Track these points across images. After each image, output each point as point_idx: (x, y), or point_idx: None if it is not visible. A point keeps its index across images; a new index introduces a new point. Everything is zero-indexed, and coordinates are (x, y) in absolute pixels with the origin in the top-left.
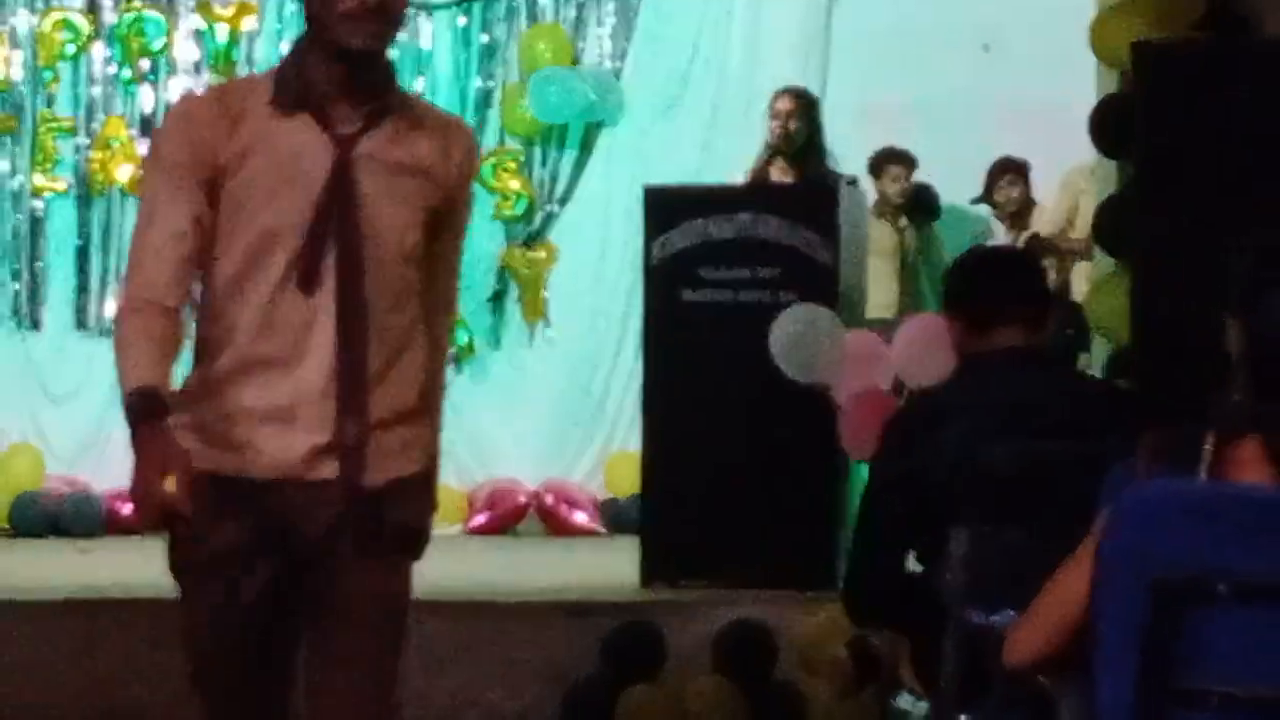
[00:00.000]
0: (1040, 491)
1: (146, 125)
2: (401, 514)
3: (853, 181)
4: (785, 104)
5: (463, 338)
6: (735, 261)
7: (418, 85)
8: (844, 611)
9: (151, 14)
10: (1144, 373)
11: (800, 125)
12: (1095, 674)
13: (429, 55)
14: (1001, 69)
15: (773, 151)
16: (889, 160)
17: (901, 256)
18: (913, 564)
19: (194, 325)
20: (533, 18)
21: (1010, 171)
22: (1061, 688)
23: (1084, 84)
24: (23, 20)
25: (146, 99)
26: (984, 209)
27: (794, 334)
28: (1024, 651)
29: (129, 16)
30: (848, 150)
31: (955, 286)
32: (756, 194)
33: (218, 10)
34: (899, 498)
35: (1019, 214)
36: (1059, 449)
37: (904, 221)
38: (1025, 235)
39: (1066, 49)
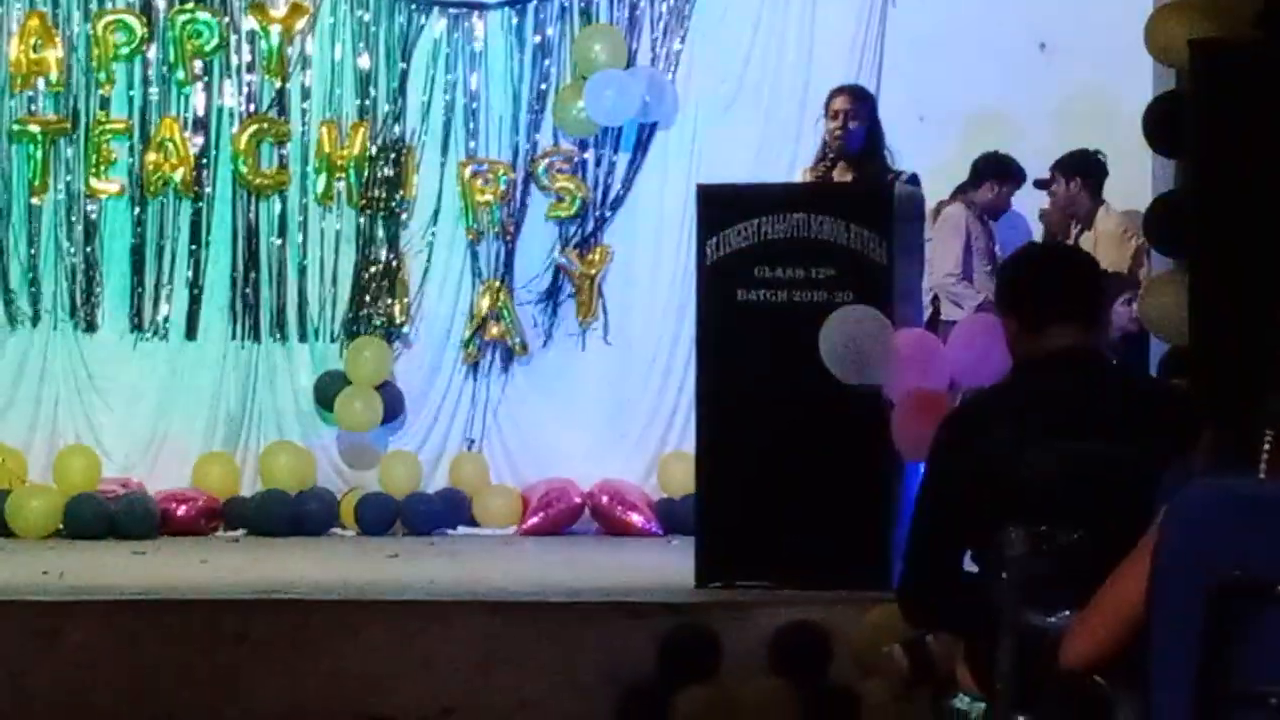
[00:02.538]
0: (1094, 492)
1: (200, 126)
2: None
3: (913, 179)
4: (842, 103)
5: (513, 337)
6: (790, 261)
7: (471, 85)
8: (900, 612)
9: (204, 16)
10: (1201, 371)
11: (859, 124)
12: (1152, 675)
13: (482, 56)
14: (1057, 68)
15: (832, 152)
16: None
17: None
18: (968, 564)
19: None
20: (587, 18)
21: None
22: (1119, 688)
23: (1140, 82)
24: (76, 23)
25: (200, 101)
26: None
27: (844, 335)
28: (1081, 652)
29: (182, 18)
30: (902, 152)
31: (1007, 285)
32: (811, 193)
33: (271, 12)
34: (953, 498)
35: (1089, 215)
36: (1113, 450)
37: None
38: (1089, 234)
39: (1123, 47)
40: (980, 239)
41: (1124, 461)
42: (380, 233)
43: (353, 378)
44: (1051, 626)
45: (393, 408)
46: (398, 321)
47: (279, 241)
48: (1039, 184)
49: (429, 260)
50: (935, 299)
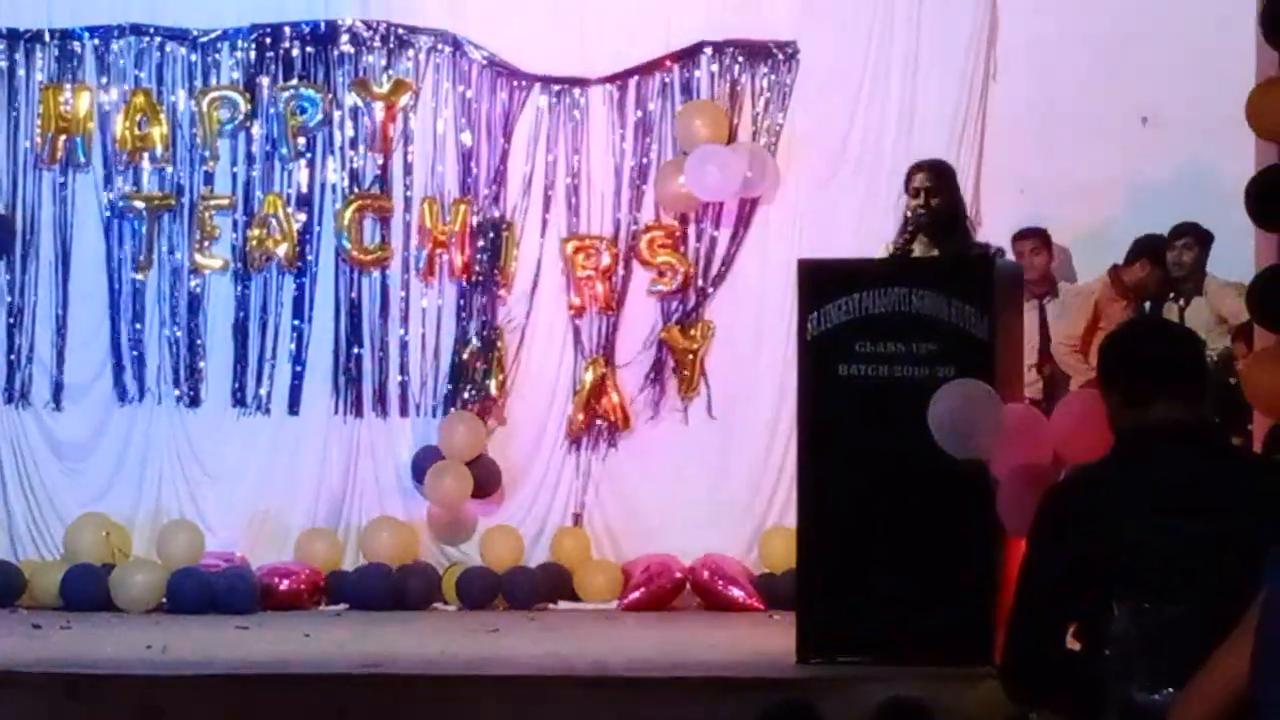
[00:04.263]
0: (1198, 568)
1: (303, 202)
2: None
3: (1000, 253)
4: (922, 179)
5: (617, 412)
6: (890, 336)
7: (573, 161)
8: (1003, 688)
9: (308, 91)
10: None
11: (941, 199)
12: None
13: (584, 131)
14: (1160, 142)
15: (913, 227)
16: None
17: None
18: (1071, 641)
19: None
20: (688, 93)
21: (1186, 235)
22: None
23: (1243, 156)
24: (181, 99)
25: (303, 176)
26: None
27: (951, 408)
28: None
29: (286, 94)
30: (1003, 226)
31: (1109, 361)
32: (911, 267)
33: (374, 88)
34: (1056, 573)
35: (1189, 279)
36: (1217, 525)
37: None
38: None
39: (1225, 121)
40: (1113, 317)
41: (1228, 537)
42: (479, 308)
43: (446, 452)
44: (1155, 703)
45: (487, 482)
46: (495, 396)
47: (380, 317)
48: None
49: (528, 335)
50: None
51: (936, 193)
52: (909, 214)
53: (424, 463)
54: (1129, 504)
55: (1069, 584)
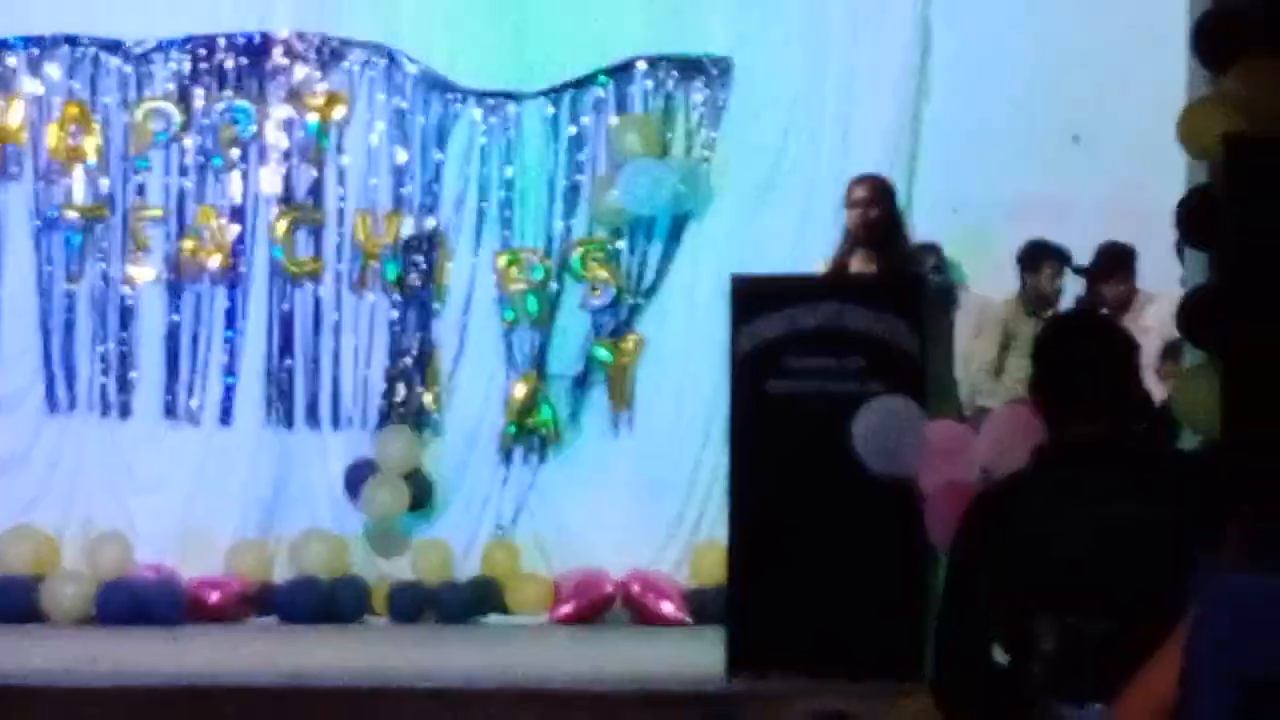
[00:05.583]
0: (1122, 573)
1: (236, 214)
2: None
3: (936, 268)
4: (862, 192)
5: (549, 425)
6: (821, 351)
7: (506, 174)
8: (932, 702)
9: (241, 103)
10: (1232, 464)
11: (879, 212)
12: None
13: (517, 145)
14: (1091, 161)
15: (853, 241)
16: (1045, 256)
17: None
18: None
19: None
20: (621, 108)
21: (1120, 261)
22: None
23: (1173, 176)
24: (115, 110)
25: (236, 188)
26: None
27: (875, 425)
28: None
29: (219, 106)
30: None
31: (1034, 367)
32: (842, 283)
33: (308, 99)
34: (980, 587)
35: (1124, 305)
36: (1139, 535)
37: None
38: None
39: (1156, 141)
40: (1024, 335)
41: (1151, 543)
42: (413, 321)
43: (381, 465)
44: (1083, 718)
45: (421, 496)
46: (430, 409)
47: (313, 329)
48: (1076, 270)
49: (462, 348)
50: None
51: (875, 205)
52: (849, 227)
53: (356, 475)
54: (1048, 515)
55: (993, 597)
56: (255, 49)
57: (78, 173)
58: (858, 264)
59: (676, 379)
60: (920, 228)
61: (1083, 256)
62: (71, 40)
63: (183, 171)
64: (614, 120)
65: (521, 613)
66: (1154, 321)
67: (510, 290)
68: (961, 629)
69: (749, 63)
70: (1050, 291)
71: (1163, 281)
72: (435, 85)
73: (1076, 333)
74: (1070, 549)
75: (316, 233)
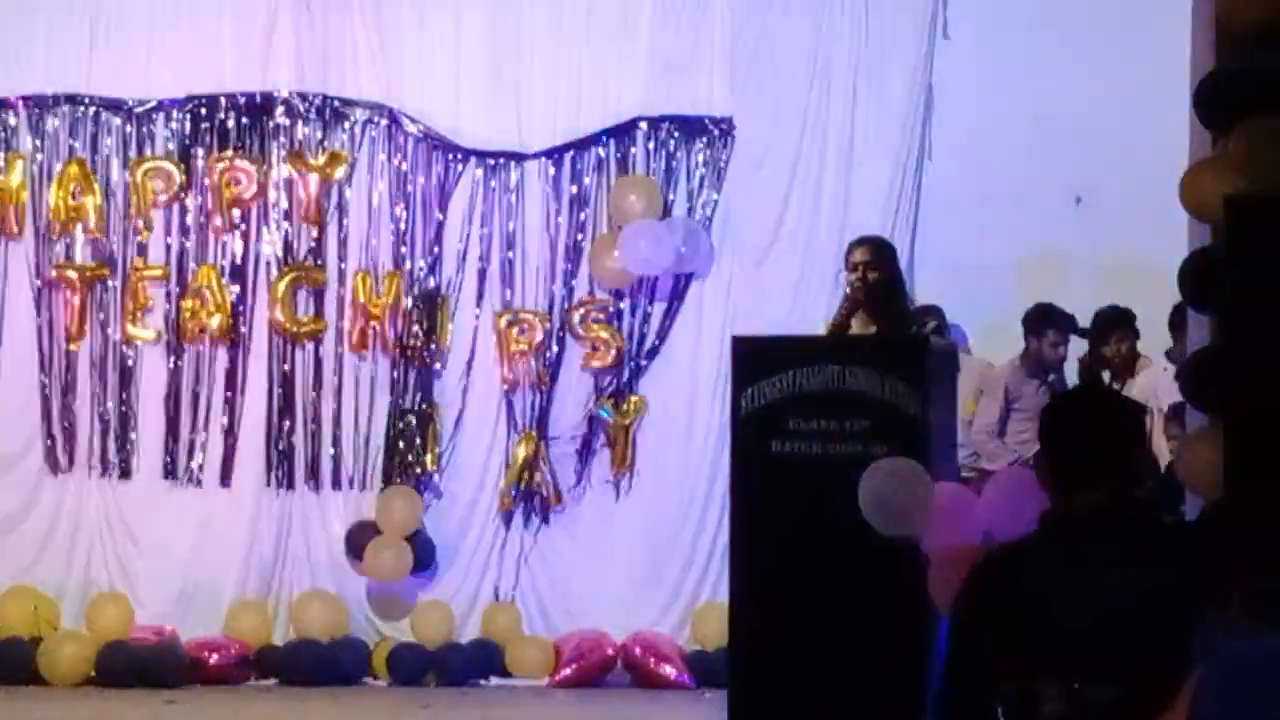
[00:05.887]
0: (1124, 646)
1: (237, 274)
2: None
3: (937, 330)
4: (861, 254)
5: (551, 487)
6: (823, 413)
7: (508, 234)
8: None
9: (242, 163)
10: (1236, 527)
11: (879, 274)
12: None
13: (519, 206)
14: (1093, 222)
15: (853, 302)
16: (1050, 322)
17: None
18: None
19: None
20: (623, 168)
21: (1124, 324)
22: None
23: (1176, 237)
24: (115, 169)
25: (237, 248)
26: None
27: (881, 487)
28: None
29: (220, 166)
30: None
31: (1040, 438)
32: (845, 345)
33: (309, 160)
34: (981, 649)
35: (1126, 365)
36: (1142, 601)
37: (1053, 377)
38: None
39: (1158, 202)
40: (1027, 397)
41: (1154, 602)
42: (414, 382)
43: (383, 527)
44: None
45: (423, 557)
46: (430, 471)
47: (314, 389)
48: (1079, 333)
49: (463, 410)
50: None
51: (875, 267)
52: (849, 289)
53: (357, 536)
54: (1052, 581)
55: (995, 660)
56: (257, 108)
57: (78, 232)
58: (858, 325)
59: (678, 441)
60: (921, 289)
61: (1085, 318)
62: (72, 99)
63: (184, 231)
64: (615, 180)
65: (522, 675)
66: (1148, 383)
67: (511, 350)
68: (963, 692)
69: (750, 123)
70: (1054, 358)
71: (1166, 344)
72: (437, 145)
73: (1078, 405)
74: (1074, 616)
75: (317, 293)
